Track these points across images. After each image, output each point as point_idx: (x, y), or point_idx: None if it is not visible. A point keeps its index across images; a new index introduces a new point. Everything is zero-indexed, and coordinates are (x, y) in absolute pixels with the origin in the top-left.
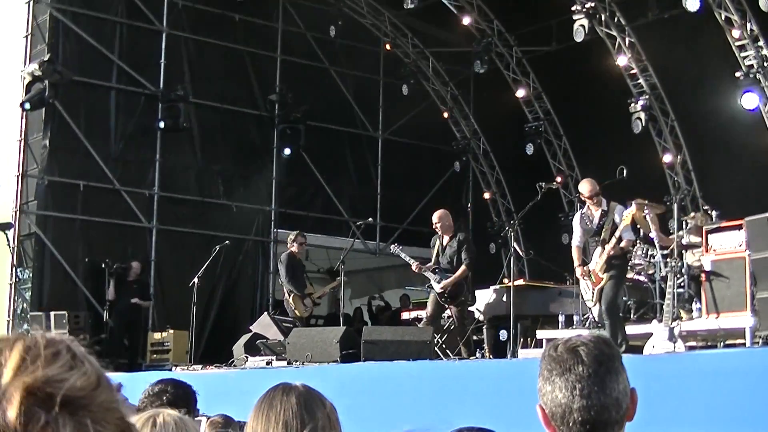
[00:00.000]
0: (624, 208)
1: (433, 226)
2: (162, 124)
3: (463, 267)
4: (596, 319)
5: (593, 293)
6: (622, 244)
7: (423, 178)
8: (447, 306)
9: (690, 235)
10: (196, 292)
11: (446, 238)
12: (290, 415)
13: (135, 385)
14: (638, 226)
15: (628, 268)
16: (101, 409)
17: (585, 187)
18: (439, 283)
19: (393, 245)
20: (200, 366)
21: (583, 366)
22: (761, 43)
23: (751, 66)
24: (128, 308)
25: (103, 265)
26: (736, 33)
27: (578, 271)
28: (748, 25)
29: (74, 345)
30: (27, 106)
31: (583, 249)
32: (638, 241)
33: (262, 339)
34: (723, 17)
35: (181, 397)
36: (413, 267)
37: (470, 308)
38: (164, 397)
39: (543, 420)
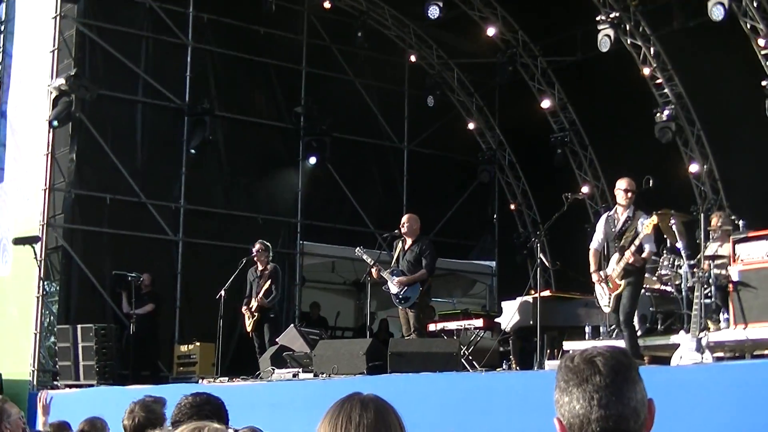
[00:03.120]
0: (648, 217)
1: (399, 228)
2: (193, 151)
3: (422, 270)
4: (615, 325)
5: (609, 299)
6: (644, 255)
7: (449, 189)
8: (405, 311)
9: (717, 244)
10: (223, 305)
11: (408, 242)
12: (370, 431)
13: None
14: (665, 236)
15: (654, 279)
16: None
17: (623, 181)
18: (395, 284)
19: (357, 248)
20: (227, 378)
21: (600, 376)
22: None
23: None
24: (141, 320)
25: (129, 279)
26: (761, 41)
27: (594, 276)
28: None
29: None
30: (55, 123)
31: (601, 254)
32: (665, 251)
33: (288, 351)
34: (748, 26)
35: (214, 408)
36: (373, 271)
37: (496, 320)
38: (206, 408)
39: None
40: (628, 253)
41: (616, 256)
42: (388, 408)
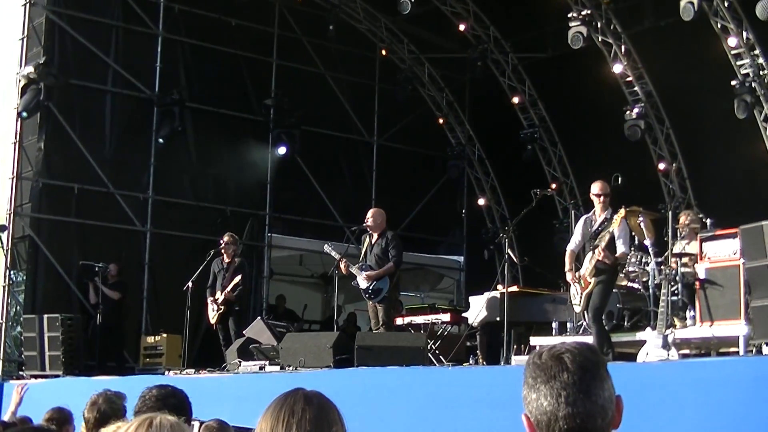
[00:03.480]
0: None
1: (365, 222)
2: (161, 141)
3: (390, 264)
4: (589, 325)
5: (581, 298)
6: (617, 255)
7: (418, 184)
8: (374, 305)
9: (685, 242)
10: (190, 296)
11: (375, 236)
12: (312, 426)
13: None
14: (633, 233)
15: (621, 276)
16: None
17: (596, 185)
18: (363, 279)
19: (325, 245)
20: (193, 370)
21: (568, 373)
22: (757, 51)
23: (747, 74)
24: (107, 311)
25: (96, 269)
26: (732, 41)
27: (569, 276)
28: (744, 33)
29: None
30: (24, 114)
31: (576, 256)
32: (632, 249)
33: (255, 344)
34: (719, 25)
35: (177, 401)
36: (342, 266)
37: (464, 314)
38: (166, 400)
39: (528, 429)
40: (598, 251)
41: (589, 254)
42: (331, 405)
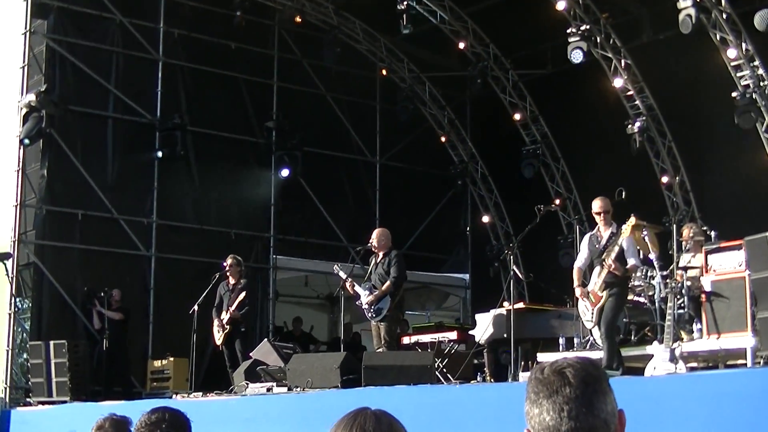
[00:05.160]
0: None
1: (369, 243)
2: (160, 154)
3: (388, 283)
4: (597, 341)
5: (592, 314)
6: (628, 266)
7: (421, 202)
8: (377, 324)
9: (689, 255)
10: (197, 320)
11: (380, 256)
12: None
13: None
14: (637, 247)
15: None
16: None
17: (596, 203)
18: (366, 297)
19: (335, 265)
20: (201, 393)
21: (570, 388)
22: (757, 62)
23: (747, 86)
24: (112, 336)
25: (102, 294)
26: (731, 53)
27: (577, 292)
28: (743, 44)
29: None
30: (26, 142)
31: (583, 272)
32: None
33: (262, 365)
34: (718, 37)
35: (176, 425)
36: (347, 285)
37: (470, 332)
38: (162, 426)
39: None
40: (607, 263)
41: (597, 269)
42: (400, 425)
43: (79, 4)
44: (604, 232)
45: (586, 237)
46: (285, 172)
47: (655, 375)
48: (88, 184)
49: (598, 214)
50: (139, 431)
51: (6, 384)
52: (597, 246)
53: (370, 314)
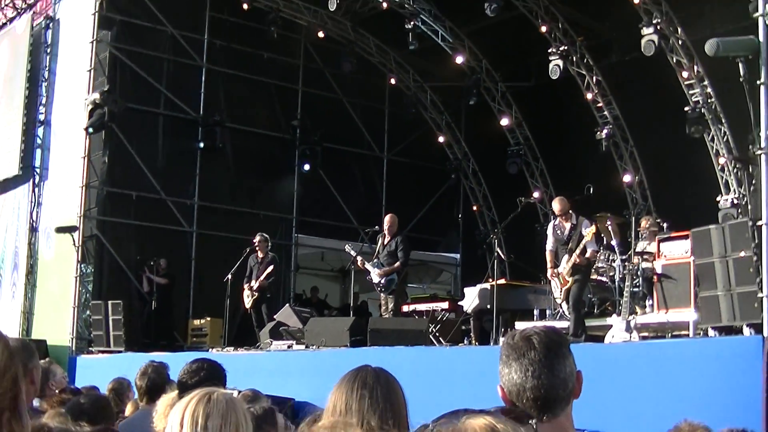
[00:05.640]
0: (590, 223)
1: (382, 226)
2: (201, 145)
3: (397, 263)
4: (566, 313)
5: (561, 292)
6: (587, 255)
7: (421, 192)
8: (385, 296)
9: (645, 242)
10: (230, 287)
11: (387, 238)
12: (382, 395)
13: (178, 364)
14: (602, 235)
15: (593, 271)
16: None
17: (556, 206)
18: (377, 274)
19: (346, 245)
20: (232, 348)
21: (534, 352)
22: (706, 82)
23: (698, 102)
24: (159, 298)
25: (152, 263)
26: (685, 74)
27: (549, 272)
28: (695, 67)
29: None
30: (90, 130)
31: (555, 253)
32: (601, 248)
33: (284, 326)
34: (674, 60)
35: (214, 373)
36: (358, 262)
37: (459, 303)
38: (201, 374)
39: (502, 398)
40: (575, 256)
41: (566, 257)
42: (396, 382)
43: (138, 18)
44: (566, 223)
45: (550, 225)
46: (306, 167)
47: (613, 342)
48: (141, 169)
49: (560, 215)
50: (183, 377)
51: (73, 335)
52: (560, 234)
53: (379, 288)
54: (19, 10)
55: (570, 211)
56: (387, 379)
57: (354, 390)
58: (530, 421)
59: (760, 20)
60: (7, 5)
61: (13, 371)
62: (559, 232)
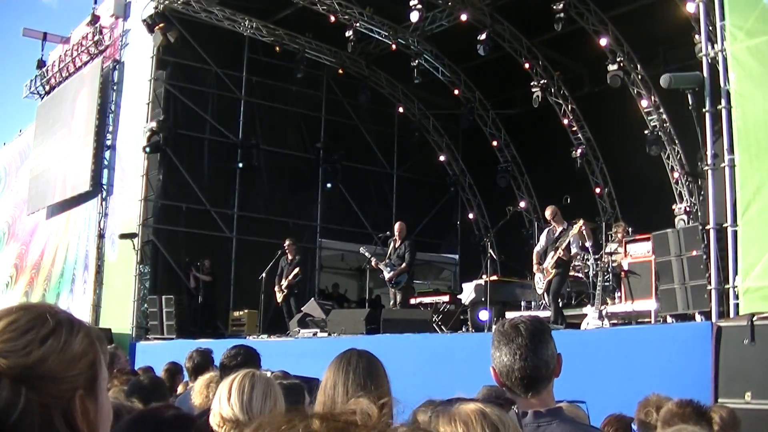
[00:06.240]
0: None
1: (394, 231)
2: (240, 164)
3: (404, 264)
4: (548, 304)
5: (543, 284)
6: (572, 252)
7: (425, 203)
8: (395, 291)
9: (614, 244)
10: (264, 284)
11: (398, 242)
12: (364, 372)
13: (220, 349)
14: (579, 239)
15: (571, 268)
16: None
17: (547, 212)
18: (389, 273)
19: (361, 247)
20: (266, 335)
21: (521, 338)
22: (662, 110)
23: (655, 126)
24: (204, 294)
25: (198, 263)
26: (644, 103)
27: (535, 268)
28: (653, 97)
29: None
30: (147, 150)
31: (542, 254)
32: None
33: (310, 317)
34: (635, 91)
35: (250, 357)
36: (372, 262)
37: (458, 296)
38: (239, 358)
39: (494, 377)
40: (560, 250)
41: (551, 253)
42: (377, 359)
43: (188, 59)
44: (558, 227)
45: (546, 230)
46: (328, 185)
47: (588, 329)
48: (189, 185)
49: (551, 219)
50: (224, 360)
51: (133, 325)
52: (552, 236)
53: (391, 285)
54: (92, 56)
55: (558, 216)
56: (368, 358)
57: (340, 368)
58: (513, 407)
59: (704, 59)
60: (82, 51)
61: (91, 356)
62: (551, 234)
